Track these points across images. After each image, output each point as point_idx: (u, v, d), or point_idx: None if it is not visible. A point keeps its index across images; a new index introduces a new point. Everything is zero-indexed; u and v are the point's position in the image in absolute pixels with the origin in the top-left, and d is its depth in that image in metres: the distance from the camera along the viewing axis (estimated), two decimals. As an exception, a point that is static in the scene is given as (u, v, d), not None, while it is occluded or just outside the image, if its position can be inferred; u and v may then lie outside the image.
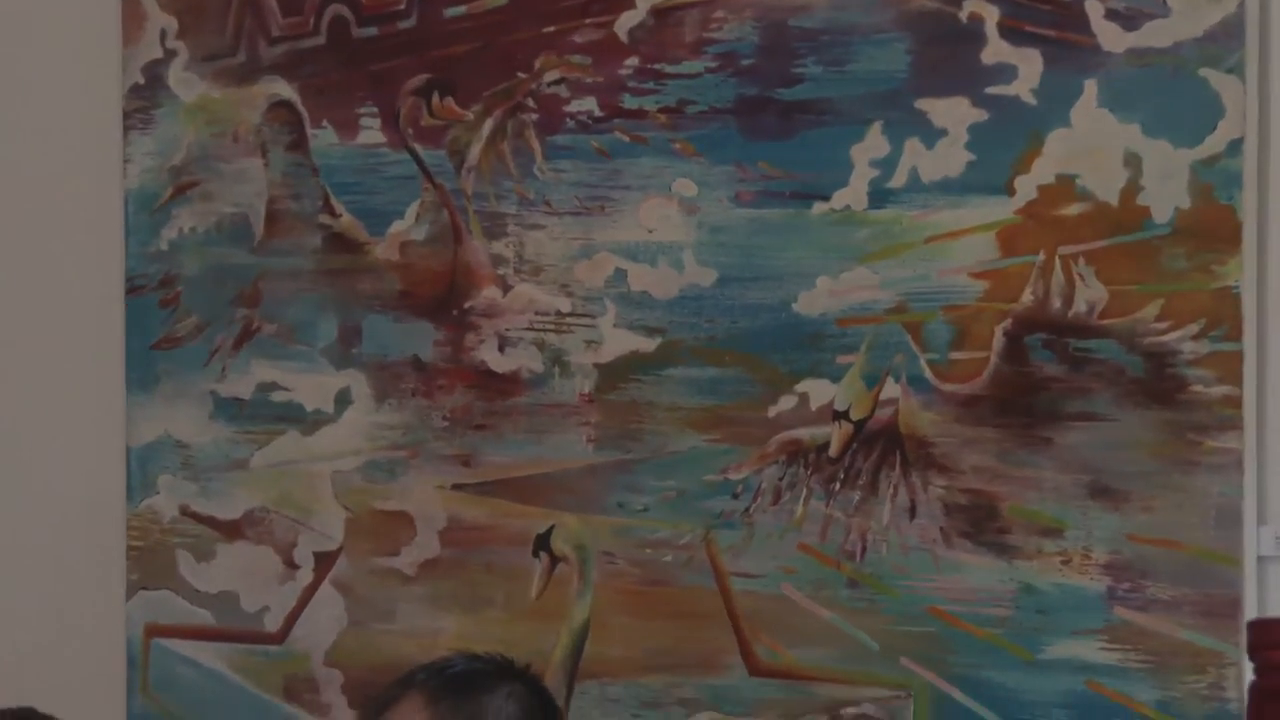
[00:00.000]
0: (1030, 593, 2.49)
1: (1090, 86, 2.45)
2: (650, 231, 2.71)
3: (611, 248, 2.73)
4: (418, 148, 2.86)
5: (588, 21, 2.73)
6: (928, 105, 2.54)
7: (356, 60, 2.90)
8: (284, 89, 2.95)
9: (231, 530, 2.99)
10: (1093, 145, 2.45)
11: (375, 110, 2.88)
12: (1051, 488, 2.48)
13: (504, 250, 2.80)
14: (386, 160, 2.88)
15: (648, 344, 2.71)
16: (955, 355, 2.53)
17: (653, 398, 2.70)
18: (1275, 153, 2.41)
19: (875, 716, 2.58)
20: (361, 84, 2.89)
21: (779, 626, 2.63)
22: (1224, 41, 2.39)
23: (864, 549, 2.59)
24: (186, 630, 3.02)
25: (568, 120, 2.75)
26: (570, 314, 2.76)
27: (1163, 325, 2.42)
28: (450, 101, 2.83)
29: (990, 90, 2.51)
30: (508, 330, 2.80)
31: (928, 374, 2.55)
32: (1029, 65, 2.49)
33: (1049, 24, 2.48)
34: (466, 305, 2.82)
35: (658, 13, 2.69)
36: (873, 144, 2.57)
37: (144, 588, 3.05)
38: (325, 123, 2.92)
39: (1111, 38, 2.45)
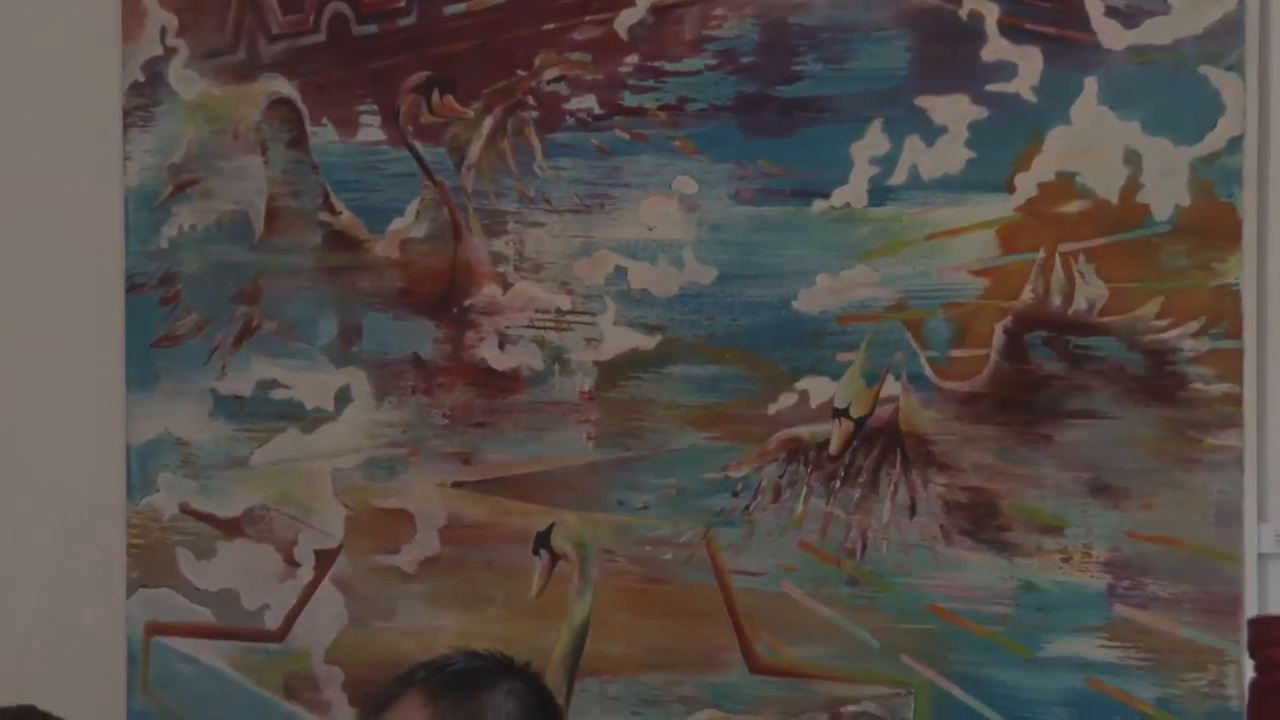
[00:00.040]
0: (1030, 590, 2.49)
1: (1090, 84, 2.45)
2: (650, 229, 2.71)
3: (611, 245, 2.73)
4: (418, 145, 2.85)
5: (587, 19, 2.73)
6: (928, 103, 2.54)
7: (356, 58, 2.90)
8: (284, 86, 2.95)
9: (232, 528, 2.99)
10: (1093, 143, 2.45)
11: (375, 108, 2.88)
12: (1052, 485, 2.48)
13: (504, 248, 2.80)
14: (386, 158, 2.88)
15: (648, 342, 2.71)
16: (955, 353, 2.53)
17: (653, 395, 2.70)
18: (1275, 150, 2.41)
19: (875, 714, 2.58)
20: (361, 81, 2.89)
21: (779, 624, 2.63)
22: (1224, 39, 2.39)
23: (864, 547, 2.59)
24: (187, 628, 3.02)
25: (568, 118, 2.75)
26: (570, 311, 2.76)
27: (1163, 323, 2.42)
28: (450, 99, 2.83)
29: (990, 88, 2.51)
30: (508, 328, 2.80)
31: (928, 371, 2.55)
32: (1029, 63, 2.49)
33: (1049, 21, 2.47)
34: (466, 303, 2.82)
35: (657, 10, 2.69)
36: (873, 141, 2.57)
37: (144, 586, 3.05)
38: (325, 120, 2.92)
39: (1111, 35, 2.45)
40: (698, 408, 2.67)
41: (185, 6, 3.01)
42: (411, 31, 2.85)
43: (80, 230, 3.11)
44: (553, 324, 2.77)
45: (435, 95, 2.84)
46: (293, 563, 2.95)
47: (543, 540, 2.76)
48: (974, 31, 2.51)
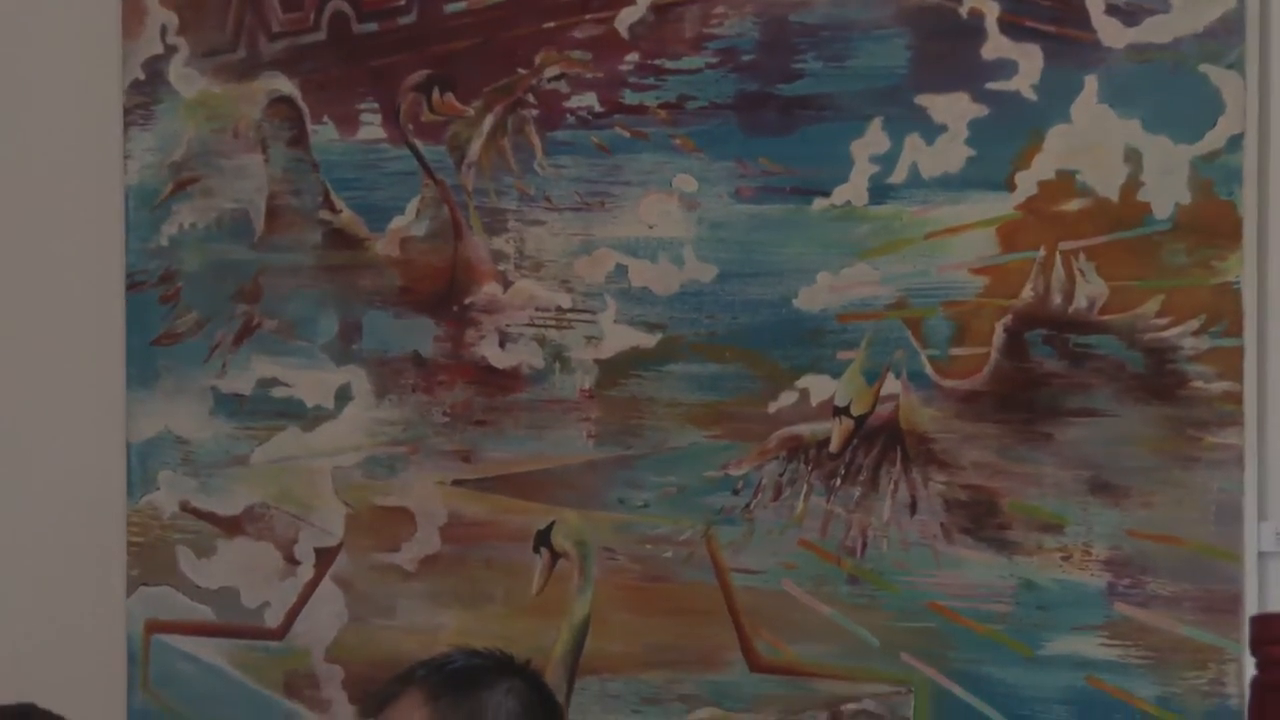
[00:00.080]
0: (1030, 588, 2.49)
1: (1090, 82, 2.45)
2: (650, 227, 2.71)
3: (612, 243, 2.73)
4: (418, 143, 2.85)
5: (588, 17, 2.73)
6: (928, 101, 2.54)
7: (357, 56, 2.90)
8: (284, 85, 2.95)
9: (232, 526, 2.99)
10: (1093, 141, 2.45)
11: (375, 106, 2.88)
12: (1052, 483, 2.48)
13: (504, 246, 2.80)
14: (387, 156, 2.88)
15: (648, 340, 2.71)
16: (955, 351, 2.53)
17: (653, 393, 2.70)
18: (1275, 148, 2.41)
19: (876, 712, 2.58)
20: (362, 80, 2.89)
21: (779, 622, 2.63)
22: (1224, 37, 2.39)
23: (864, 545, 2.59)
24: (187, 626, 3.02)
25: (568, 116, 2.75)
26: (571, 310, 2.76)
27: (1163, 321, 2.42)
28: (450, 97, 2.83)
29: (990, 86, 2.51)
30: (508, 326, 2.80)
31: (928, 370, 2.55)
32: (1029, 61, 2.48)
33: (1049, 19, 2.47)
34: (467, 301, 2.82)
35: (658, 8, 2.69)
36: (873, 139, 2.57)
37: (144, 584, 3.05)
38: (325, 118, 2.92)
39: (1112, 33, 2.44)
40: (698, 406, 2.67)
41: (186, 5, 3.01)
42: (412, 29, 2.85)
43: (81, 228, 3.11)
44: (553, 322, 2.77)
45: (436, 93, 2.84)
46: (293, 561, 2.95)
47: (543, 538, 2.76)
48: (974, 29, 2.51)
